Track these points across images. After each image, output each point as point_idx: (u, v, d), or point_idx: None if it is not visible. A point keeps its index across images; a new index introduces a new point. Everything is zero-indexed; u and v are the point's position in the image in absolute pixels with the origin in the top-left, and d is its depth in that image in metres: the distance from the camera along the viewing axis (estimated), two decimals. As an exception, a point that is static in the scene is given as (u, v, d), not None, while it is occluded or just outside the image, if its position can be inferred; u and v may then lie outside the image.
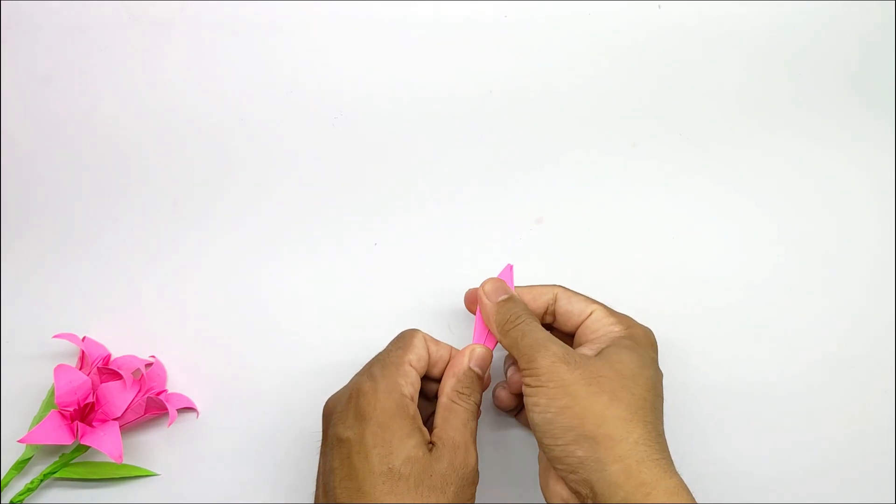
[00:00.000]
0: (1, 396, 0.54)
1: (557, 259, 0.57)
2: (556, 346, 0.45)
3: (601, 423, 0.42)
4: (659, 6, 0.58)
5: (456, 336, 0.55)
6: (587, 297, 0.50)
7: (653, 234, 0.58)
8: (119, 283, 0.57)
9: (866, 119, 0.60)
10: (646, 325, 0.50)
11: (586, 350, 0.47)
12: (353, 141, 0.58)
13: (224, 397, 0.55)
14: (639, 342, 0.47)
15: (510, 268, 0.50)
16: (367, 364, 0.47)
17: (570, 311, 0.49)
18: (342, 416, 0.45)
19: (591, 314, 0.49)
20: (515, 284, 0.50)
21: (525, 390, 0.44)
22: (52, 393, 0.52)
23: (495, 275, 0.50)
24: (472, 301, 0.51)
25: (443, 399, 0.46)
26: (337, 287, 0.57)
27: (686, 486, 0.41)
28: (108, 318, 0.56)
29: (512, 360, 0.51)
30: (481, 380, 0.47)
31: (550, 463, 0.44)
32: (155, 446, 0.54)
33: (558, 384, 0.43)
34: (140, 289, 0.57)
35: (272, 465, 0.54)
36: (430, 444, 0.44)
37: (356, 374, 0.47)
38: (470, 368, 0.47)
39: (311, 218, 0.58)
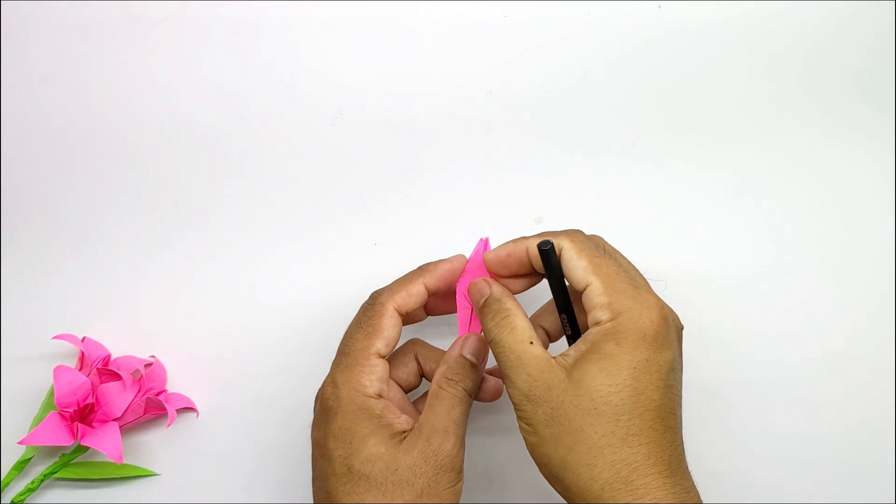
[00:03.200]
0: (1, 397, 0.54)
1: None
2: (522, 374, 0.41)
3: (565, 468, 0.40)
4: (659, 6, 0.57)
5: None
6: (594, 260, 0.43)
7: (653, 234, 0.58)
8: (119, 283, 0.57)
9: (868, 118, 0.60)
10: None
11: (571, 352, 0.42)
12: (353, 141, 0.58)
13: (224, 397, 0.55)
14: (623, 340, 0.41)
15: (486, 241, 0.48)
16: (337, 352, 0.46)
17: (570, 277, 0.44)
18: (314, 418, 0.45)
19: (585, 289, 0.42)
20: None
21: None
22: (51, 394, 0.52)
23: (471, 250, 0.48)
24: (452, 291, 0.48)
25: (433, 387, 0.45)
26: (337, 287, 0.57)
27: None
28: (108, 318, 0.56)
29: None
30: (475, 367, 0.45)
31: None
32: (155, 446, 0.54)
33: (527, 420, 0.41)
34: (140, 289, 0.57)
35: (272, 465, 0.54)
36: (404, 434, 0.43)
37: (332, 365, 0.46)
38: (461, 355, 0.45)
39: (311, 218, 0.58)
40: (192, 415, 0.55)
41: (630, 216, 0.58)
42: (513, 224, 0.58)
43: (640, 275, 0.45)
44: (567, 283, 0.45)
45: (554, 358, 0.42)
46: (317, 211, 0.58)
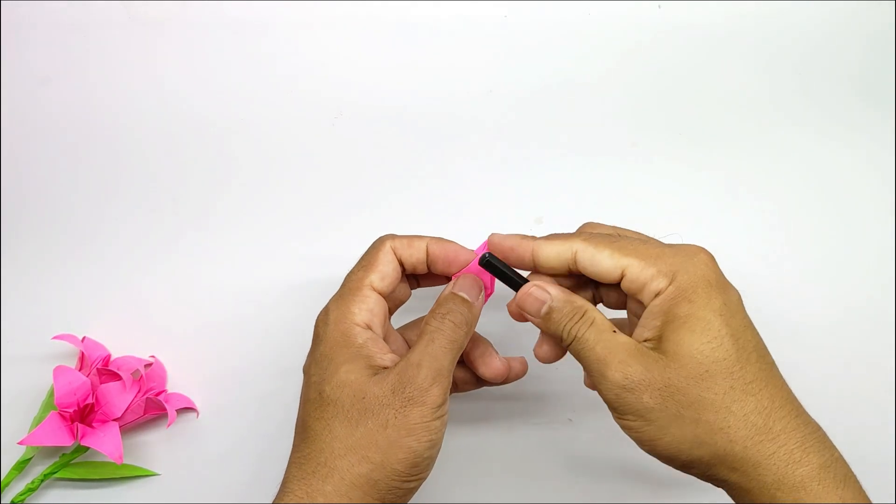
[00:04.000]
0: (1, 397, 0.54)
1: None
2: (615, 362, 0.39)
3: (699, 445, 0.38)
4: (659, 6, 0.57)
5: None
6: (615, 245, 0.42)
7: (652, 234, 0.58)
8: (119, 282, 0.57)
9: (867, 118, 0.60)
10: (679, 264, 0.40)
11: (646, 333, 0.40)
12: (353, 141, 0.58)
13: (224, 397, 0.55)
14: (694, 295, 0.39)
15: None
16: None
17: (599, 273, 0.42)
18: (309, 351, 0.45)
19: (623, 274, 0.41)
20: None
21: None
22: (51, 394, 0.52)
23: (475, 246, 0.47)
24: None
25: (422, 324, 0.43)
26: (337, 287, 0.56)
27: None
28: (108, 318, 0.56)
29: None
30: (465, 302, 0.43)
31: None
32: (155, 446, 0.54)
33: (635, 414, 0.39)
34: (140, 289, 0.57)
35: (272, 465, 0.54)
36: (383, 369, 0.42)
37: None
38: (451, 293, 0.44)
39: (311, 218, 0.58)
40: (192, 415, 0.55)
41: (630, 216, 0.58)
42: (512, 224, 0.58)
43: (653, 238, 0.44)
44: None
45: (642, 337, 0.40)
46: (317, 211, 0.58)
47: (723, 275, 0.41)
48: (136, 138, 0.58)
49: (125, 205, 0.58)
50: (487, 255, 0.44)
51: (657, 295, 0.40)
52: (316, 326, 0.44)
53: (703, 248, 0.41)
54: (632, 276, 0.41)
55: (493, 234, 0.45)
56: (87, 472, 0.53)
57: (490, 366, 0.47)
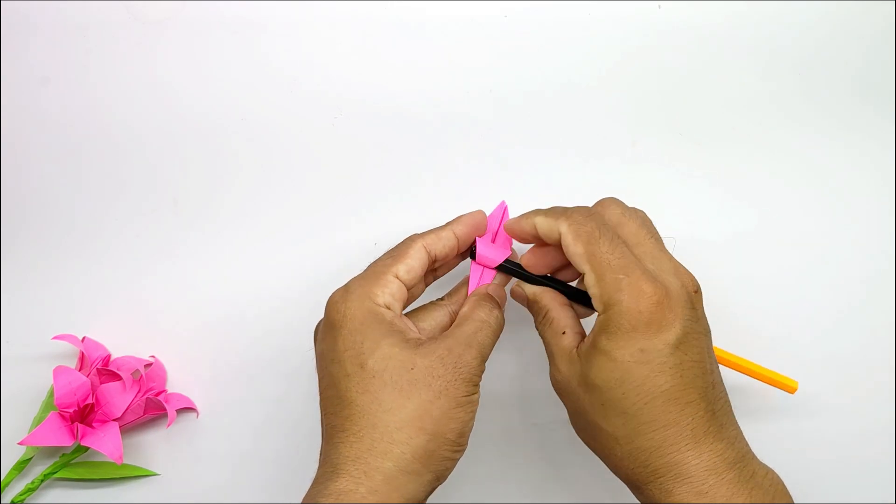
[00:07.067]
0: (1, 397, 0.54)
1: (557, 259, 0.57)
2: (554, 368, 0.44)
3: (596, 451, 0.43)
4: (659, 6, 0.57)
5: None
6: (589, 247, 0.42)
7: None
8: (119, 283, 0.57)
9: (867, 118, 0.60)
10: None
11: (589, 338, 0.42)
12: (353, 141, 0.58)
13: (224, 397, 0.55)
14: (614, 334, 0.40)
15: (504, 208, 0.49)
16: None
17: (571, 262, 0.43)
18: (319, 333, 0.45)
19: (584, 276, 0.42)
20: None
21: None
22: (51, 394, 0.52)
23: (489, 211, 0.49)
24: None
25: (463, 310, 0.45)
26: (337, 287, 0.57)
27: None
28: (108, 318, 0.56)
29: None
30: (499, 306, 0.46)
31: None
32: (155, 446, 0.54)
33: (567, 408, 0.44)
34: (140, 289, 0.57)
35: (272, 465, 0.54)
36: (419, 341, 0.42)
37: None
38: (490, 294, 0.46)
39: (312, 218, 0.58)
40: (192, 415, 0.55)
41: (630, 216, 0.58)
42: (513, 224, 0.58)
43: (649, 240, 0.44)
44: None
45: (577, 346, 0.43)
46: (317, 211, 0.58)
47: (662, 317, 0.40)
48: (137, 138, 0.58)
49: (125, 205, 0.58)
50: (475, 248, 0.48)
51: (597, 312, 0.42)
52: (334, 305, 0.43)
53: (657, 290, 0.40)
54: (586, 283, 0.42)
55: (505, 222, 0.49)
56: (87, 472, 0.53)
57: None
